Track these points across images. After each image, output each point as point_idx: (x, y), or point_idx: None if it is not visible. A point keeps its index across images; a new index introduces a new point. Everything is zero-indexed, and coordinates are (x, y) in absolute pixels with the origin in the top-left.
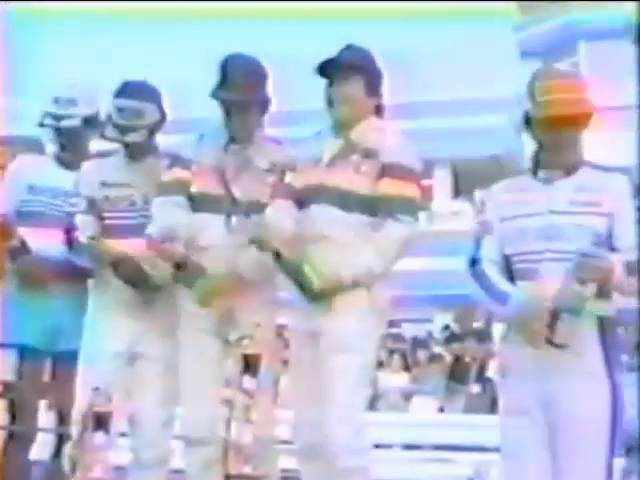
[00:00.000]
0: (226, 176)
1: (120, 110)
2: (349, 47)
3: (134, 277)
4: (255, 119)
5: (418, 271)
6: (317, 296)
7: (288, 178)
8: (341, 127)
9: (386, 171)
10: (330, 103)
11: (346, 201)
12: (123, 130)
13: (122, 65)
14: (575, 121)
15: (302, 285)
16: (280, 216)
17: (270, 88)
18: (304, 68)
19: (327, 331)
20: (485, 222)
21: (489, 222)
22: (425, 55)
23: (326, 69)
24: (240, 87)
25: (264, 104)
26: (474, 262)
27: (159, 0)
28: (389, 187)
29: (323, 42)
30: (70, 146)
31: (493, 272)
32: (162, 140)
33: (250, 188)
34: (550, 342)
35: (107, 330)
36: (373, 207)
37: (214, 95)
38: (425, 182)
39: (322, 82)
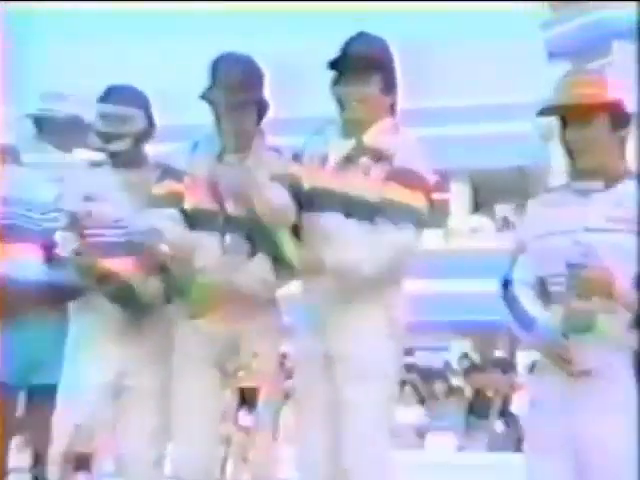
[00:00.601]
0: (219, 190)
1: (103, 116)
2: (362, 36)
3: (122, 294)
4: (251, 125)
5: (433, 294)
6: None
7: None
8: (353, 128)
9: (394, 175)
10: (340, 101)
11: (354, 208)
12: (107, 138)
13: (120, 68)
14: (588, 116)
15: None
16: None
17: (267, 91)
18: (304, 73)
19: (343, 356)
20: (519, 240)
21: (522, 240)
22: (440, 55)
23: (337, 64)
24: (232, 87)
25: (260, 107)
26: (507, 284)
27: (160, 0)
28: (394, 193)
29: (330, 43)
30: (51, 141)
31: (525, 295)
32: (154, 150)
33: (246, 203)
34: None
35: (91, 358)
36: (377, 213)
37: (204, 96)
38: (441, 195)
39: (322, 88)
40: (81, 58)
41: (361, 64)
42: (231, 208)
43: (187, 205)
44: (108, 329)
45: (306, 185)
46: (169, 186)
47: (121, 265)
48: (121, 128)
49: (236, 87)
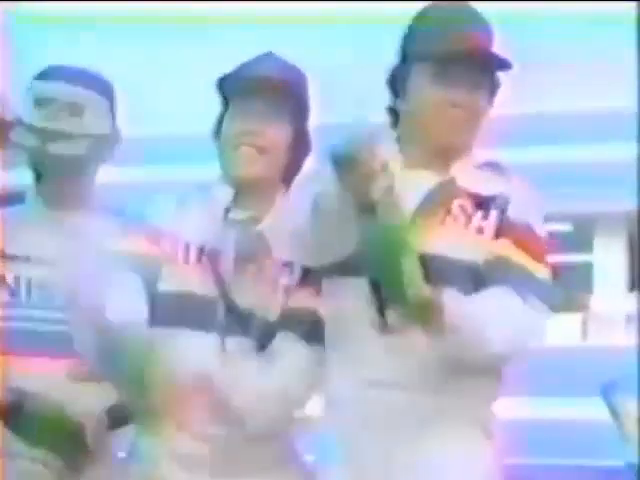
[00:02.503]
0: (220, 266)
1: (42, 102)
2: (475, 15)
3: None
4: (282, 167)
5: (557, 421)
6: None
7: None
8: (433, 152)
9: (510, 232)
10: (421, 104)
11: (450, 275)
12: (44, 136)
13: (123, 70)
14: None
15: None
16: None
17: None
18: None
19: None
20: None
21: None
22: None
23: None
24: (274, 82)
25: (300, 139)
26: None
27: (165, 0)
28: (513, 253)
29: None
30: None
31: None
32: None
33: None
34: None
35: None
36: (485, 281)
37: (223, 85)
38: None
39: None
40: (81, 59)
41: (479, 56)
42: (239, 296)
43: (165, 285)
44: None
45: None
46: (137, 244)
47: (46, 372)
48: (71, 121)
49: (279, 85)
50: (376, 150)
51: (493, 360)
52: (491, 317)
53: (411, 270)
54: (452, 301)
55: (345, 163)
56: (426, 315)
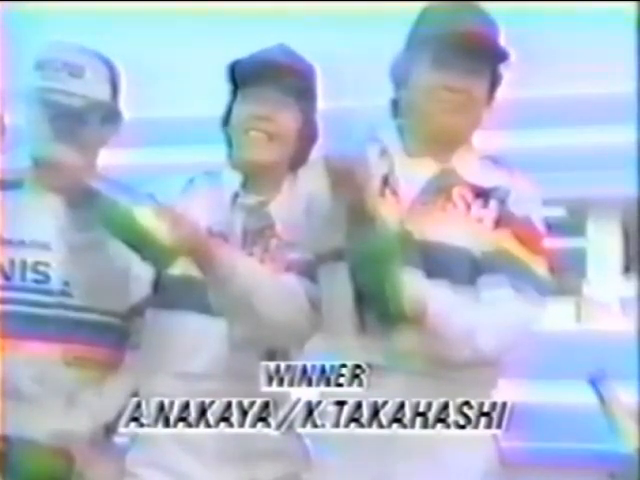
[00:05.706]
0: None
1: (41, 64)
2: (474, 9)
3: None
4: (289, 156)
5: (551, 404)
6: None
7: None
8: (430, 144)
9: (510, 223)
10: (421, 93)
11: (446, 262)
12: (43, 91)
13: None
14: None
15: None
16: None
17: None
18: None
19: None
20: None
21: None
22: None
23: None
24: (286, 73)
25: (309, 129)
26: None
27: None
28: (512, 245)
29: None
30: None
31: None
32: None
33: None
34: None
35: None
36: (483, 272)
37: (234, 70)
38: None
39: None
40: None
41: (476, 48)
42: None
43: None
44: None
45: None
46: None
47: (40, 355)
48: (72, 83)
49: (290, 72)
50: (369, 163)
51: (484, 359)
52: (481, 322)
53: (395, 282)
54: (439, 309)
55: (338, 173)
56: (408, 327)
